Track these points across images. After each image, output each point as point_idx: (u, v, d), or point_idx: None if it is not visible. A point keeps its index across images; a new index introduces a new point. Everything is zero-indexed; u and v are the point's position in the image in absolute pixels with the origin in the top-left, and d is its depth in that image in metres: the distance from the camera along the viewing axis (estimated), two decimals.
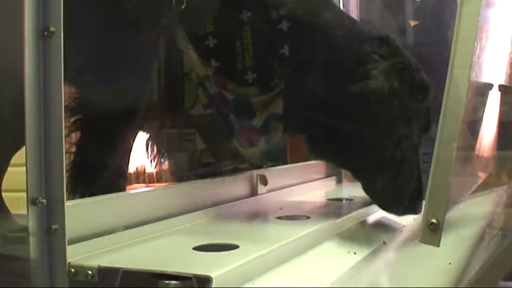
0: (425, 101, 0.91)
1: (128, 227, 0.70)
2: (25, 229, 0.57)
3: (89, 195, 0.84)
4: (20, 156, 0.60)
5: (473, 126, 0.85)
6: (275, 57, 0.98)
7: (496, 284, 0.58)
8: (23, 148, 0.56)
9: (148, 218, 0.75)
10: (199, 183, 0.92)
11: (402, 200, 0.89)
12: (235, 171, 1.09)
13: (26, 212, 0.56)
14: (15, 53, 0.57)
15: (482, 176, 1.14)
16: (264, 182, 1.06)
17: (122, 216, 0.71)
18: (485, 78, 0.84)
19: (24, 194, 0.56)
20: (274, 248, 0.66)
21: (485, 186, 1.24)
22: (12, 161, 0.98)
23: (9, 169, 0.99)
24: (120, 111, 0.89)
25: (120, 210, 0.72)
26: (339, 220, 0.88)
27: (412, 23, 1.84)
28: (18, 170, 0.68)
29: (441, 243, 0.57)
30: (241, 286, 0.58)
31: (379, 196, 0.92)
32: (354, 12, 1.64)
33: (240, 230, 0.81)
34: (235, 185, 0.99)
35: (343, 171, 1.41)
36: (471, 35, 0.57)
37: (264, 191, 1.06)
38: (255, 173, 1.05)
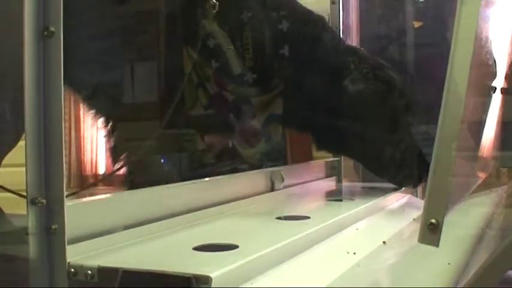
0: (392, 90, 1.11)
1: (128, 227, 0.70)
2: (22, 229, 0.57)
3: None
4: (19, 156, 0.60)
5: (475, 128, 0.85)
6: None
7: (496, 285, 0.58)
8: (23, 148, 0.57)
9: (148, 217, 0.75)
10: (199, 182, 0.92)
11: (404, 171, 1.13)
12: (234, 171, 1.10)
13: (25, 212, 0.56)
14: (15, 53, 0.57)
15: (482, 176, 1.14)
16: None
17: (122, 216, 0.71)
18: (487, 80, 0.85)
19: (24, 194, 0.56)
20: (274, 248, 0.66)
21: (485, 186, 1.24)
22: (12, 161, 0.98)
23: (10, 169, 0.99)
24: None
25: (120, 210, 0.72)
26: (339, 220, 0.88)
27: (416, 24, 1.83)
28: (17, 170, 0.68)
29: (440, 243, 0.57)
30: (241, 286, 0.58)
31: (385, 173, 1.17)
32: (353, 13, 1.64)
33: (239, 230, 0.81)
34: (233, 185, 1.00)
35: (343, 172, 1.41)
36: (471, 35, 0.57)
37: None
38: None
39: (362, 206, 1.00)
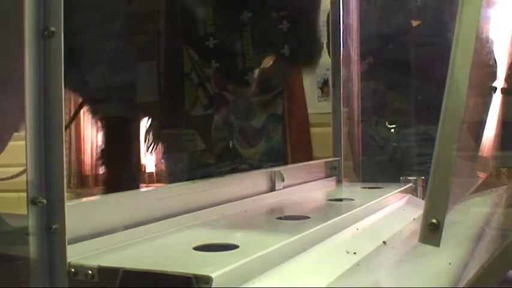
0: None
1: (128, 227, 0.70)
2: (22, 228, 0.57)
3: None
4: (20, 156, 0.60)
5: (475, 128, 0.85)
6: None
7: (496, 284, 0.58)
8: (23, 148, 0.57)
9: (149, 217, 0.75)
10: (199, 182, 0.92)
11: None
12: (234, 171, 1.10)
13: (26, 212, 0.56)
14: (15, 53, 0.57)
15: (482, 176, 1.14)
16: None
17: (123, 216, 0.71)
18: (488, 80, 0.85)
19: (24, 194, 0.56)
20: (274, 248, 0.66)
21: (485, 186, 1.24)
22: (13, 161, 0.98)
23: (10, 169, 1.00)
24: None
25: (121, 210, 0.72)
26: (339, 220, 0.87)
27: (414, 22, 1.83)
28: (18, 170, 0.68)
29: (441, 243, 0.57)
30: (241, 286, 0.58)
31: None
32: (353, 12, 1.64)
33: (240, 230, 0.81)
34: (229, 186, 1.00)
35: (343, 172, 1.42)
36: (471, 35, 0.57)
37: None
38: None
39: (362, 206, 1.00)
